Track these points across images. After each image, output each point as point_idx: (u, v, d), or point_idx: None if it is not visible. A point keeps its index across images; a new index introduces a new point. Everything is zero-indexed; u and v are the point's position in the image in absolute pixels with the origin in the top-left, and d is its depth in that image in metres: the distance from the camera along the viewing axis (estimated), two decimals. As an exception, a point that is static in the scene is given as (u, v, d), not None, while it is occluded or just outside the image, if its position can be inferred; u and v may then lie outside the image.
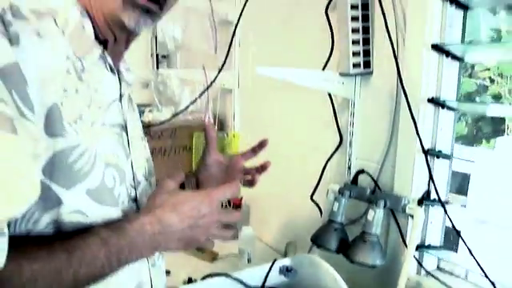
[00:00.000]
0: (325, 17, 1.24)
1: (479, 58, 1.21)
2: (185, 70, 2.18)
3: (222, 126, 1.92)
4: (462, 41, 1.08)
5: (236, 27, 1.51)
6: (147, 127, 1.65)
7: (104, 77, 0.68)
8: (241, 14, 1.49)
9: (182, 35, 2.15)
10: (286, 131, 1.57)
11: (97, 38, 0.66)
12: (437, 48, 1.03)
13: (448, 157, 1.11)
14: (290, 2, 1.49)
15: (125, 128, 0.72)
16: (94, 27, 0.66)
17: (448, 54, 1.05)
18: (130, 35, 0.71)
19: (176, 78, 1.97)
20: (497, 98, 1.80)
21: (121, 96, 0.72)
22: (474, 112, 1.47)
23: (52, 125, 0.56)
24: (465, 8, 1.06)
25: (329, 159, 1.33)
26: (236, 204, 1.66)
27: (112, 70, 0.70)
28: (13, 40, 0.53)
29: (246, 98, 1.83)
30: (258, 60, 1.70)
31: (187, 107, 1.68)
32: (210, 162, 0.93)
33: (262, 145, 0.96)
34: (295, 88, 1.15)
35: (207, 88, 1.64)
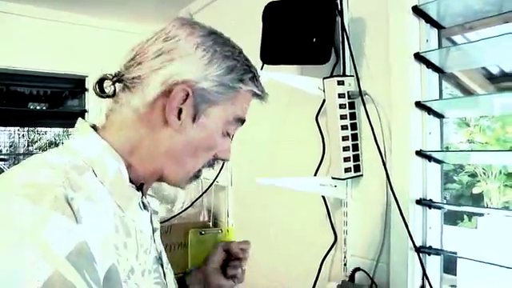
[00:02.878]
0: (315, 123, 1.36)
1: (458, 161, 1.35)
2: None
3: (216, 221, 1.96)
4: (441, 146, 1.19)
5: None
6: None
7: (142, 216, 0.70)
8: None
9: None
10: (282, 228, 1.62)
11: (130, 180, 0.68)
12: (420, 154, 1.14)
13: (438, 253, 1.17)
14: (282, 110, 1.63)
15: (160, 260, 0.75)
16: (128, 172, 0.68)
17: (430, 158, 1.16)
18: None
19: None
20: (480, 196, 1.94)
21: (153, 230, 0.75)
22: (460, 210, 1.62)
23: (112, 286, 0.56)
24: (441, 117, 1.19)
25: (324, 257, 1.37)
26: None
27: (145, 208, 0.72)
28: (77, 218, 0.53)
29: (239, 194, 1.89)
30: (250, 156, 1.79)
31: (186, 209, 1.72)
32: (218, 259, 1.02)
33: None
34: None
35: (202, 194, 1.71)
